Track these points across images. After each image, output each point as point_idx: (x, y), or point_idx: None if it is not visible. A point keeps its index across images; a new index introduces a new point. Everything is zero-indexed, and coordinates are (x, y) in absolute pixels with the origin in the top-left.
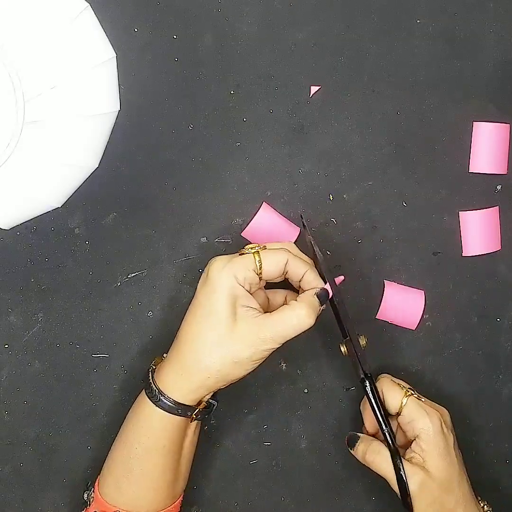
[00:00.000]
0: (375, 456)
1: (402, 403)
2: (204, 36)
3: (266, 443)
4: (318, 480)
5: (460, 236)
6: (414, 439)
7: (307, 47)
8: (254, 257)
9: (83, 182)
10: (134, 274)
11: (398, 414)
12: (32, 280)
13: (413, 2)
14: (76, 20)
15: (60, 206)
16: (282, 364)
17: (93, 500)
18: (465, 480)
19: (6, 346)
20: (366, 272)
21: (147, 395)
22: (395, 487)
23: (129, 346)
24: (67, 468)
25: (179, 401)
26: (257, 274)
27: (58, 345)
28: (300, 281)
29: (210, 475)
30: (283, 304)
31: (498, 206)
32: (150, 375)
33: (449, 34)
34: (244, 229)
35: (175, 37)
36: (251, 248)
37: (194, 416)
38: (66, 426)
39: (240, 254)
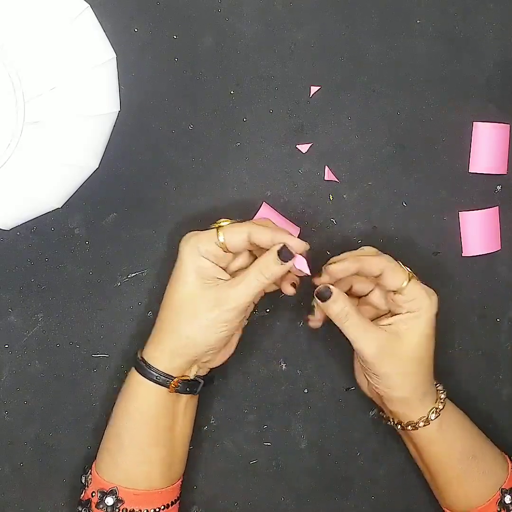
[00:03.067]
0: (345, 322)
1: (402, 283)
2: (204, 36)
3: (266, 443)
4: (318, 480)
5: (460, 236)
6: (401, 313)
7: (307, 47)
8: (217, 230)
9: (83, 182)
10: (134, 274)
11: (394, 292)
12: (32, 280)
13: (413, 2)
14: (76, 20)
15: (60, 206)
16: (282, 364)
17: (90, 481)
18: (431, 366)
19: (6, 346)
20: None
21: (135, 368)
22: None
23: (129, 346)
24: (67, 468)
25: (162, 370)
26: (220, 246)
27: (58, 345)
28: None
29: (210, 475)
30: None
31: (498, 206)
32: (138, 352)
33: (449, 34)
34: None
35: (175, 37)
36: (219, 222)
37: (173, 386)
38: (66, 426)
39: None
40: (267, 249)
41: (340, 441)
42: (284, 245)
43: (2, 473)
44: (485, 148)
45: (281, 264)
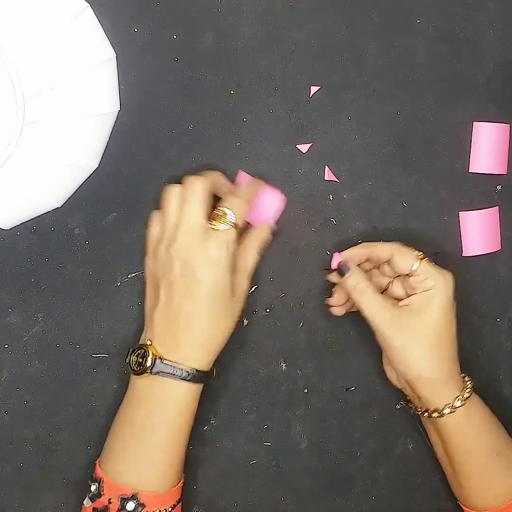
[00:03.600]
0: (361, 296)
1: (413, 265)
2: (204, 36)
3: (266, 443)
4: (318, 480)
5: (460, 236)
6: (417, 293)
7: (307, 47)
8: (234, 229)
9: (83, 182)
10: (134, 274)
11: (408, 276)
12: (32, 280)
13: (413, 2)
14: (76, 20)
15: (60, 206)
16: (282, 364)
17: (104, 489)
18: (456, 347)
19: (6, 346)
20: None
21: (174, 377)
22: (378, 329)
23: (129, 346)
24: (67, 468)
25: (202, 370)
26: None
27: (58, 345)
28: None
29: (210, 475)
30: None
31: (498, 206)
32: (161, 360)
33: (449, 34)
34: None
35: (175, 37)
36: (224, 222)
37: (214, 377)
38: (66, 426)
39: (211, 221)
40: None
41: (340, 441)
42: (340, 262)
43: (2, 473)
44: (485, 148)
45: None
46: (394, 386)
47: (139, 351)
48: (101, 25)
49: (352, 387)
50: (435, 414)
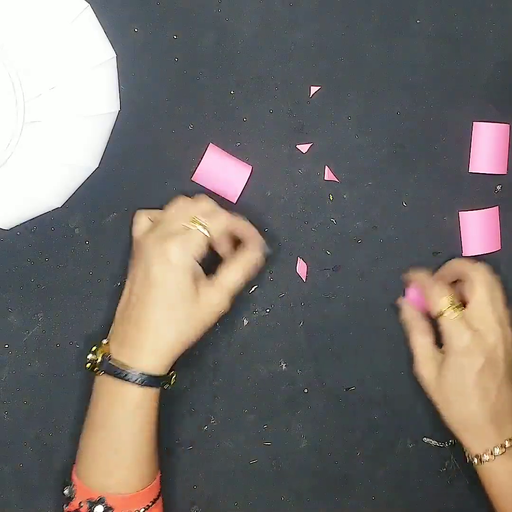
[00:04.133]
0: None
1: (437, 314)
2: (204, 36)
3: (266, 443)
4: (318, 480)
5: (460, 236)
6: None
7: (307, 47)
8: (202, 231)
9: (83, 182)
10: None
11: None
12: (32, 280)
13: (413, 2)
14: (76, 20)
15: (60, 206)
16: (282, 364)
17: (75, 492)
18: (502, 395)
19: (6, 346)
20: (366, 272)
21: (124, 379)
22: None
23: None
24: (67, 468)
25: (156, 374)
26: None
27: (58, 345)
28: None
29: (210, 475)
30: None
31: (498, 206)
32: (111, 361)
33: (449, 34)
34: (193, 174)
35: (175, 37)
36: (194, 222)
37: (172, 384)
38: (66, 426)
39: (183, 226)
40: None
41: (340, 441)
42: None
43: (2, 473)
44: (485, 148)
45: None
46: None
47: (93, 347)
48: (101, 25)
49: (352, 387)
50: (475, 461)
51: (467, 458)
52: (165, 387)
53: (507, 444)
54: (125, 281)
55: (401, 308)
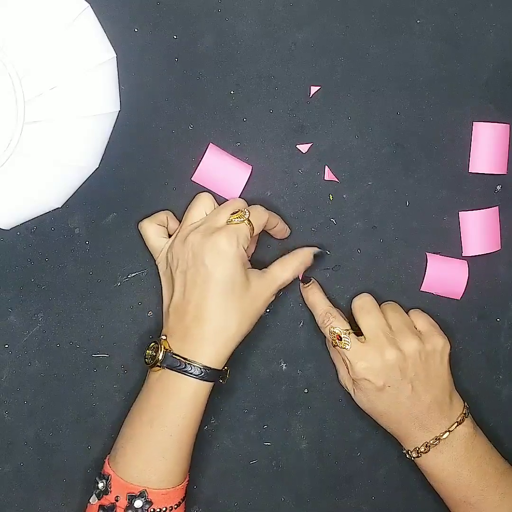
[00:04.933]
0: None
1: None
2: (204, 36)
3: (266, 443)
4: (318, 480)
5: (460, 236)
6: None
7: (307, 47)
8: (247, 224)
9: (83, 182)
10: (134, 274)
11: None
12: (32, 280)
13: (413, 2)
14: (76, 20)
15: (60, 206)
16: (282, 364)
17: (111, 486)
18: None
19: (6, 346)
20: (366, 272)
21: (184, 373)
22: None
23: (129, 346)
24: (67, 468)
25: (213, 367)
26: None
27: (58, 345)
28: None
29: (210, 475)
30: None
31: (498, 206)
32: (173, 355)
33: (449, 34)
34: (193, 174)
35: (175, 37)
36: (238, 217)
37: (226, 377)
38: (66, 426)
39: (228, 223)
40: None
41: (340, 441)
42: (323, 251)
43: (2, 473)
44: (485, 148)
45: (305, 286)
46: None
47: (153, 344)
48: (101, 25)
49: None
50: (404, 451)
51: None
52: (221, 381)
53: (431, 442)
54: (125, 280)
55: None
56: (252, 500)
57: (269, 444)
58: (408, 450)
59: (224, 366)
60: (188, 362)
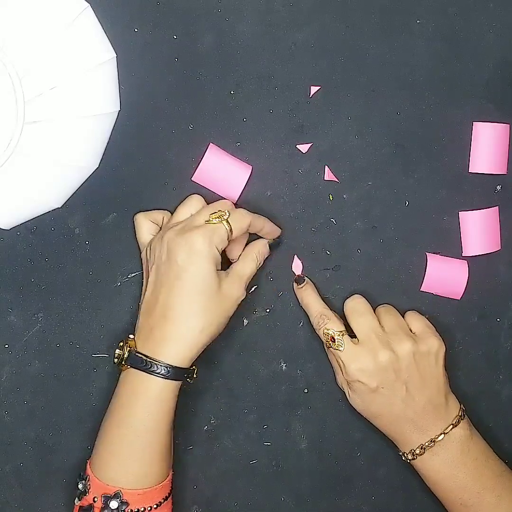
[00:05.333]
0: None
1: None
2: (204, 36)
3: (266, 443)
4: (318, 480)
5: (460, 236)
6: None
7: (307, 47)
8: (225, 225)
9: (83, 182)
10: (134, 274)
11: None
12: (32, 280)
13: (413, 2)
14: (76, 20)
15: (60, 206)
16: (282, 364)
17: (90, 486)
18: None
19: (6, 346)
20: (366, 272)
21: (148, 372)
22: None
23: None
24: (67, 468)
25: (180, 366)
26: (228, 239)
27: (58, 345)
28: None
29: (210, 475)
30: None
31: (498, 206)
32: (138, 354)
33: (449, 34)
34: (193, 174)
35: (175, 37)
36: (218, 217)
37: (194, 377)
38: (66, 426)
39: (207, 222)
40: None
41: (340, 441)
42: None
43: (2, 473)
44: (485, 148)
45: (299, 287)
46: None
47: (121, 343)
48: (101, 25)
49: None
50: (400, 453)
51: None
52: (188, 380)
53: (426, 444)
54: (124, 281)
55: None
56: (252, 500)
57: (269, 444)
58: (404, 452)
59: (192, 365)
60: (153, 361)
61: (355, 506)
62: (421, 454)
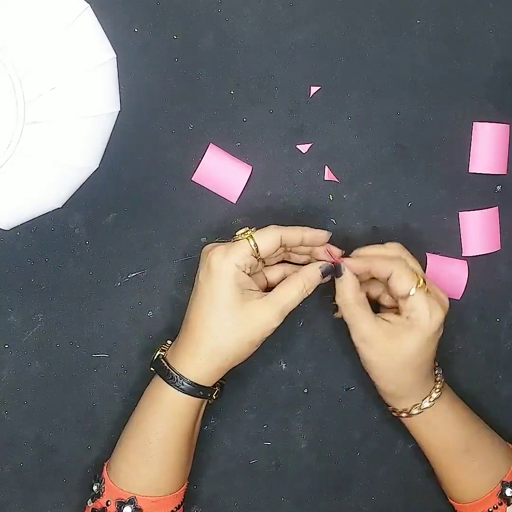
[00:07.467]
0: (346, 304)
1: (409, 292)
2: (204, 36)
3: (266, 443)
4: (318, 480)
5: (460, 236)
6: (401, 317)
7: (307, 47)
8: (249, 241)
9: (83, 182)
10: (134, 274)
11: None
12: (32, 280)
13: (413, 2)
14: (76, 21)
15: (60, 206)
16: (282, 364)
17: (104, 490)
18: (430, 364)
19: (6, 346)
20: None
21: (166, 380)
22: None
23: (129, 346)
24: (67, 468)
25: (199, 383)
26: (255, 256)
27: (58, 345)
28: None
29: (210, 475)
30: (282, 279)
31: (498, 206)
32: (163, 360)
33: (449, 34)
34: (193, 174)
35: (175, 37)
36: (243, 233)
37: (214, 397)
38: (66, 426)
39: (233, 240)
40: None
41: (340, 441)
42: (330, 264)
43: (2, 473)
44: (485, 148)
45: (323, 278)
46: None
47: (160, 346)
48: (101, 25)
49: (352, 387)
50: (403, 414)
51: (393, 413)
52: (208, 399)
53: (434, 395)
54: (125, 280)
55: (339, 275)
56: (252, 500)
57: (269, 444)
58: (406, 408)
59: (215, 386)
60: (172, 370)
61: (355, 506)
62: (431, 406)
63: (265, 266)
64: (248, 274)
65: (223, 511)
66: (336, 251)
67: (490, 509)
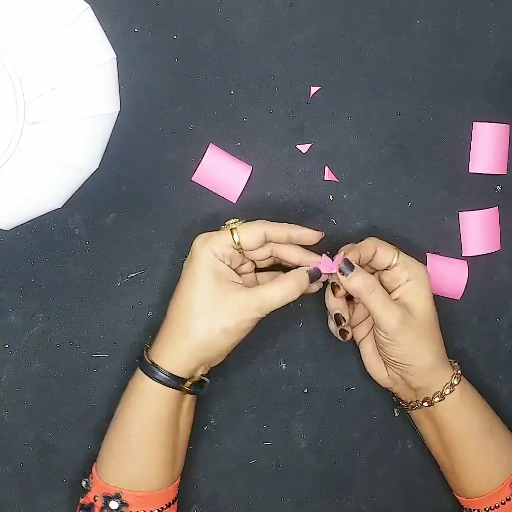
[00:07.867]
0: (371, 293)
1: (394, 256)
2: (204, 36)
3: (266, 443)
4: (318, 480)
5: (460, 236)
6: (402, 285)
7: (307, 47)
8: (232, 232)
9: (83, 183)
10: (134, 274)
11: (387, 269)
12: (32, 280)
13: (413, 2)
14: (76, 21)
15: (60, 206)
16: (282, 364)
17: (92, 485)
18: (439, 330)
19: (6, 346)
20: None
21: (141, 369)
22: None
23: (129, 346)
24: (67, 468)
25: (172, 373)
26: (237, 249)
27: (58, 345)
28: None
29: (210, 475)
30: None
31: (498, 206)
32: (144, 350)
33: (449, 34)
34: (193, 174)
35: (175, 37)
36: (231, 223)
37: (187, 389)
38: (66, 426)
39: (220, 229)
40: (280, 244)
41: (340, 441)
42: (315, 267)
43: (2, 473)
44: (485, 148)
45: (310, 284)
46: (381, 386)
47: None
48: (101, 25)
49: (352, 387)
50: (425, 404)
51: (410, 410)
52: (183, 392)
53: (455, 381)
54: (125, 280)
55: (348, 272)
56: (252, 500)
57: (269, 444)
58: (438, 391)
59: (191, 379)
60: (147, 358)
61: (355, 506)
62: (459, 382)
63: (258, 270)
64: (228, 266)
65: (223, 511)
66: (315, 236)
67: (503, 501)
